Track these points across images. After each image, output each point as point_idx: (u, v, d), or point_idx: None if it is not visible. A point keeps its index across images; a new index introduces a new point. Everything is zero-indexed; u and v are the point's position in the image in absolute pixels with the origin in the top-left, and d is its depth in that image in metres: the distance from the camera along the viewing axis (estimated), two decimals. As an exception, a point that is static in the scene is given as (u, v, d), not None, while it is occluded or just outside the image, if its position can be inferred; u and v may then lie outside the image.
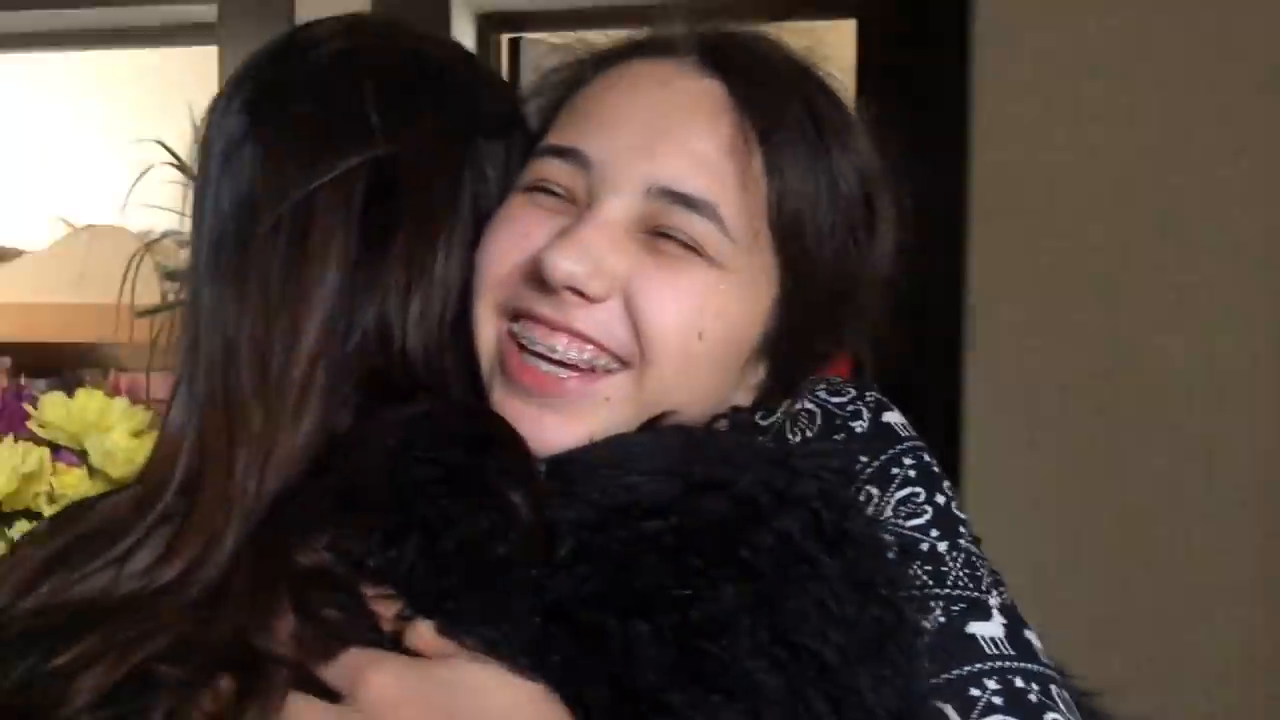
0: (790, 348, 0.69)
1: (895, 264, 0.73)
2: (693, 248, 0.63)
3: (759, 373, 0.70)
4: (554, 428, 0.63)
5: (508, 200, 0.67)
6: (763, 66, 0.67)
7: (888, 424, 0.73)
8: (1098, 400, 1.80)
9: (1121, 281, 1.80)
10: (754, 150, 0.64)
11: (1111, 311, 1.80)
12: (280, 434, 0.59)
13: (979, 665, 0.63)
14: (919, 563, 0.67)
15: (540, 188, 0.66)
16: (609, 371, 0.64)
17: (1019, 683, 0.63)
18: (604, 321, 0.63)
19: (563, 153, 0.65)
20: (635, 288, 0.62)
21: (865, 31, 1.96)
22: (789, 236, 0.65)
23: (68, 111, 3.69)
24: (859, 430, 0.72)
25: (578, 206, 0.64)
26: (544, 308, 0.63)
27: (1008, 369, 1.83)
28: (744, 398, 0.70)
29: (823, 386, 0.75)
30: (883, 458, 0.70)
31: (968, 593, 0.66)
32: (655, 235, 0.63)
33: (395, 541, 0.56)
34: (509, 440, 0.61)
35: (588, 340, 0.63)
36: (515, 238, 0.64)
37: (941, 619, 0.64)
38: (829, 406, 0.73)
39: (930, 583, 0.66)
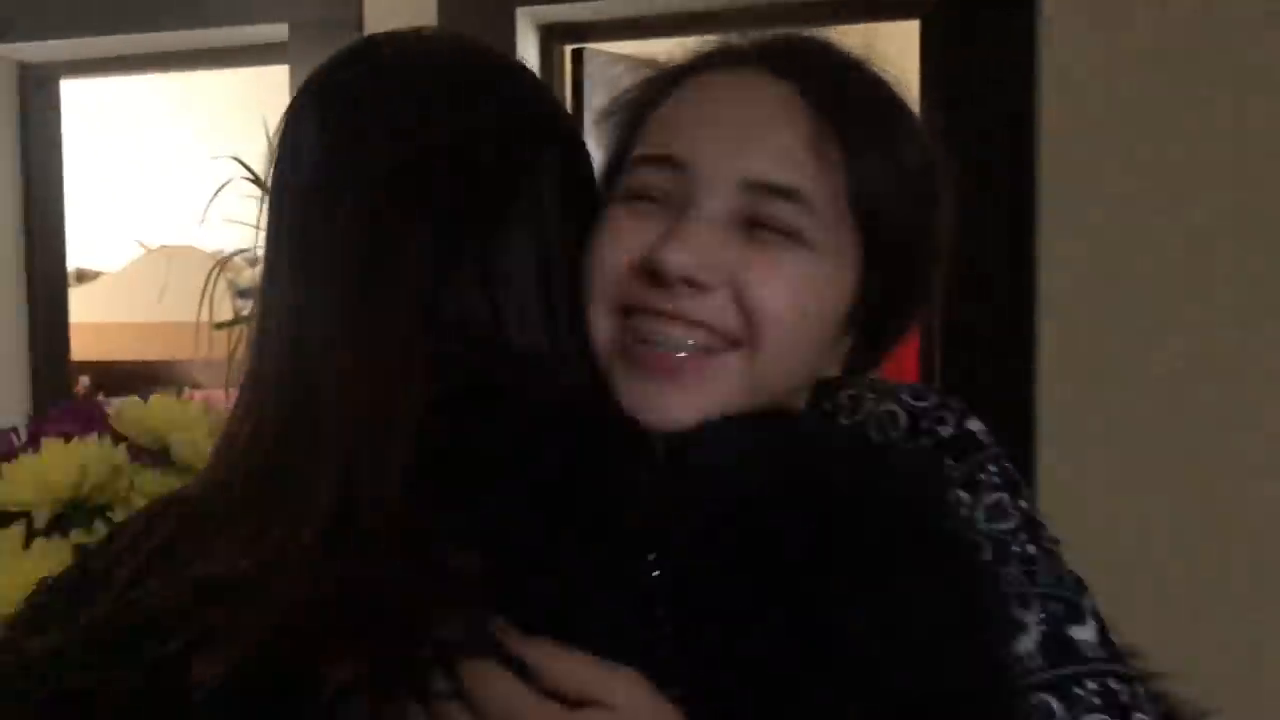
0: (873, 317, 0.75)
1: (958, 234, 0.78)
2: (788, 233, 0.69)
3: (846, 343, 0.76)
4: (676, 404, 0.68)
5: (607, 211, 0.73)
6: (825, 66, 0.74)
7: (971, 431, 0.78)
8: (1172, 398, 1.77)
9: (1195, 276, 1.77)
10: (829, 140, 0.70)
11: (1185, 307, 1.77)
12: (368, 410, 0.61)
13: (1080, 667, 0.69)
14: (1015, 564, 0.73)
15: (638, 195, 0.72)
16: (722, 352, 0.69)
17: (1112, 684, 0.69)
18: (716, 308, 0.68)
19: (659, 160, 0.71)
20: (742, 275, 0.68)
21: (928, 32, 1.95)
22: (867, 214, 0.71)
23: (142, 134, 3.78)
24: (944, 434, 0.77)
25: (675, 209, 0.70)
26: (659, 301, 0.69)
27: (1080, 367, 1.81)
28: (835, 367, 0.76)
29: (907, 391, 0.80)
30: (969, 463, 0.76)
31: (1063, 593, 0.72)
32: (753, 225, 0.69)
33: (517, 526, 0.58)
34: (627, 430, 0.65)
35: (701, 326, 0.69)
36: (623, 240, 0.71)
37: (1042, 615, 0.70)
38: (914, 409, 0.79)
39: (1027, 583, 0.72)
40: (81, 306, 3.01)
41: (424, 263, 0.64)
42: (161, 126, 3.73)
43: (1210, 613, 1.74)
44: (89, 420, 0.92)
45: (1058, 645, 0.69)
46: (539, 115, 0.72)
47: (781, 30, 0.77)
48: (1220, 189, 1.76)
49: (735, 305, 0.68)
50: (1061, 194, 1.82)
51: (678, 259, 0.67)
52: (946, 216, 0.77)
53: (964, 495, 0.74)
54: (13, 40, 2.46)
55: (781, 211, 0.68)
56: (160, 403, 0.96)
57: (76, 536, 0.88)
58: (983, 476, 0.75)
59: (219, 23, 2.24)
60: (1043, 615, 0.70)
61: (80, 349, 2.85)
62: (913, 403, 0.79)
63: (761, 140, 0.69)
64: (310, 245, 0.66)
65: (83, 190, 2.99)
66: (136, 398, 0.97)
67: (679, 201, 0.70)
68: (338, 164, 0.66)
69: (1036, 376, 1.82)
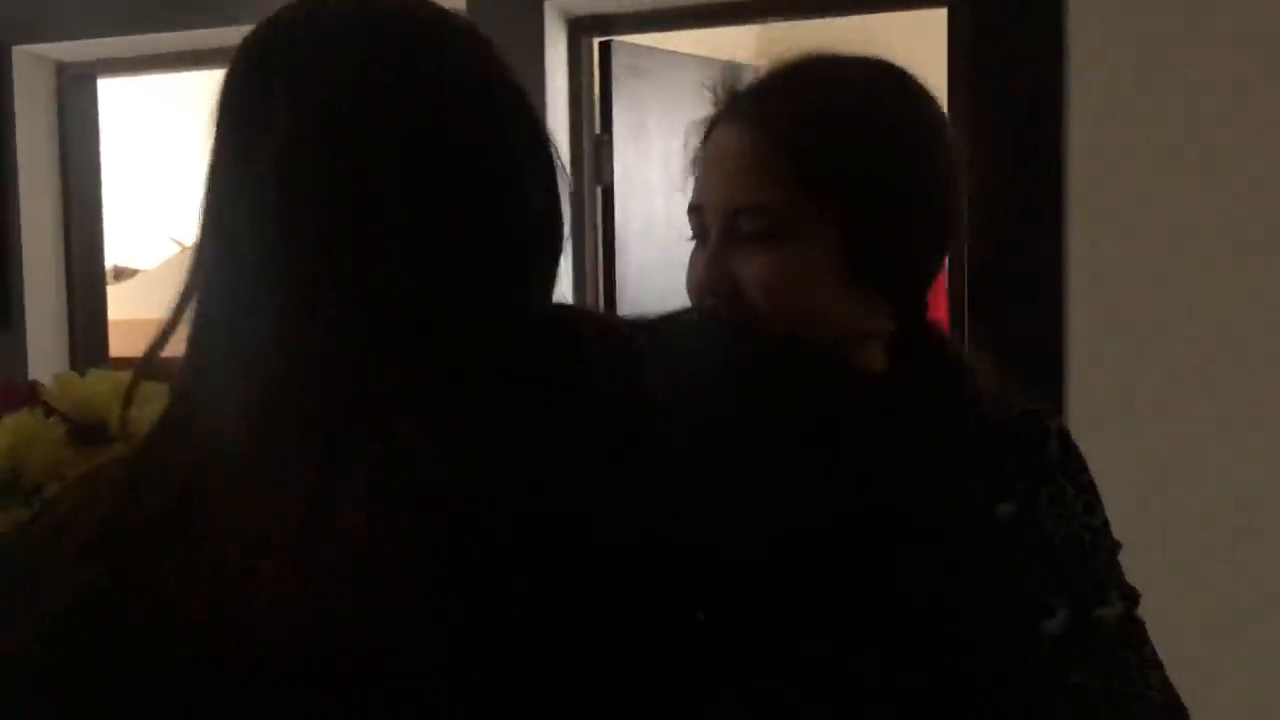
0: (871, 270, 0.91)
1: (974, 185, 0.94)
2: (758, 235, 0.90)
3: (869, 293, 0.92)
4: None
5: (693, 250, 0.97)
6: (781, 103, 0.92)
7: (1074, 443, 0.93)
8: (1200, 388, 1.77)
9: (1222, 263, 1.77)
10: (778, 154, 0.89)
11: (1212, 296, 1.77)
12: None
13: (1142, 636, 0.85)
14: (1105, 553, 0.88)
15: (694, 237, 0.96)
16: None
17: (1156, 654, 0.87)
18: (739, 306, 0.90)
19: (691, 210, 0.96)
20: (739, 275, 0.90)
21: (955, 19, 1.95)
22: (819, 187, 0.89)
23: (177, 132, 3.81)
24: (1052, 427, 0.92)
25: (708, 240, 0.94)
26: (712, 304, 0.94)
27: (1108, 357, 1.81)
28: (877, 314, 0.92)
29: (1022, 396, 0.94)
30: (1073, 463, 0.91)
31: (1128, 581, 0.87)
32: (741, 236, 0.91)
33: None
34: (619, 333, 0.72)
35: (739, 319, 0.90)
36: (690, 274, 0.96)
37: (1121, 594, 0.86)
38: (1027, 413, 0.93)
39: (1111, 569, 0.88)
40: (119, 303, 3.05)
41: (372, 228, 0.61)
42: (197, 125, 3.77)
43: (1236, 600, 1.75)
44: (22, 400, 0.89)
45: (1131, 622, 0.85)
46: (481, 70, 0.68)
47: (769, 77, 0.95)
48: (1247, 175, 1.76)
49: (745, 299, 0.89)
50: (1089, 181, 1.82)
51: (700, 281, 0.91)
52: (922, 165, 0.92)
53: (1069, 488, 0.89)
54: (50, 40, 2.50)
55: (745, 222, 0.90)
56: (97, 377, 0.93)
57: (8, 517, 0.84)
58: (1082, 478, 0.90)
59: (253, 20, 2.26)
60: (1122, 594, 0.86)
61: (118, 345, 2.89)
62: (1027, 405, 0.92)
63: (734, 177, 0.91)
64: (229, 210, 0.64)
65: (120, 188, 3.03)
66: (74, 373, 0.93)
67: (707, 236, 0.93)
68: (268, 124, 0.64)
69: (1066, 370, 1.83)
